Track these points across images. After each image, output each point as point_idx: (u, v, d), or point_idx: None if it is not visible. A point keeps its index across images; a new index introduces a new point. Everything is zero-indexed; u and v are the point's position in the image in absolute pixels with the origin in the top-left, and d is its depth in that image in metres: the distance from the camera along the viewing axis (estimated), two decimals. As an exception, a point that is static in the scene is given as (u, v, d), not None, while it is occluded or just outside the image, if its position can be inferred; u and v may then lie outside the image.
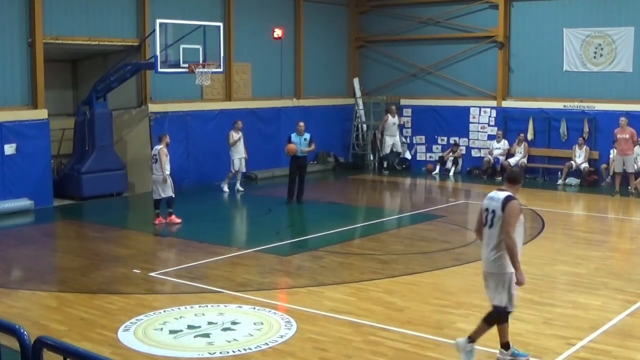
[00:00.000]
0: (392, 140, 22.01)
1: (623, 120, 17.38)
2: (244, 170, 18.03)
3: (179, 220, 14.22)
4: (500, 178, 20.15)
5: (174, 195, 14.30)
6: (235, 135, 17.65)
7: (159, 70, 15.92)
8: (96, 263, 11.27)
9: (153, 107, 17.94)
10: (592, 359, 7.22)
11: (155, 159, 14.14)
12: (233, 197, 17.58)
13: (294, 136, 16.18)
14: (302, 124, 16.34)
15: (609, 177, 18.39)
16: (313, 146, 16.41)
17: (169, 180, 14.09)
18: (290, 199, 16.33)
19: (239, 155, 17.69)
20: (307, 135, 16.17)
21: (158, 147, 14.22)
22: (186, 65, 16.03)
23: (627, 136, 17.21)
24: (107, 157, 17.06)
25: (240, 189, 17.97)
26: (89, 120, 16.88)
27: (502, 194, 6.97)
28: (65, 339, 7.23)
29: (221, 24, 17.29)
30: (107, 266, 11.03)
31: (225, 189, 17.86)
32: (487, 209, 7.03)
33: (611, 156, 18.59)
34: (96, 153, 16.85)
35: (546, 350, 7.40)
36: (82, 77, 19.10)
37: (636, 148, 17.52)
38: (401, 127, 22.43)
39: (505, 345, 7.05)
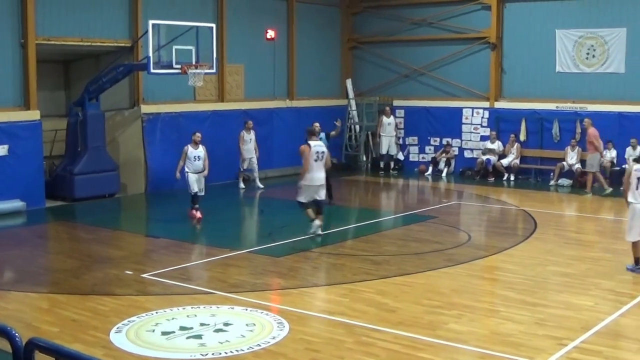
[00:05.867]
0: (388, 141, 22.03)
1: None
2: (255, 168, 18.75)
3: (198, 215, 14.60)
4: (493, 179, 20.27)
5: (198, 193, 14.64)
6: (246, 136, 18.35)
7: (152, 71, 15.88)
8: (88, 264, 11.24)
9: (146, 108, 17.92)
10: (583, 360, 7.25)
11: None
12: (225, 199, 17.56)
13: None
14: (317, 124, 15.31)
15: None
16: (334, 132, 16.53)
17: (187, 177, 14.62)
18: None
19: (249, 154, 18.41)
20: (322, 135, 15.38)
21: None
22: (179, 66, 15.98)
23: None
24: (99, 158, 17.01)
25: (260, 185, 18.76)
26: (82, 122, 16.84)
27: (320, 142, 13.12)
28: (57, 340, 7.20)
29: (214, 25, 17.25)
30: (99, 267, 11.00)
31: (242, 185, 18.70)
32: (317, 152, 12.64)
33: (609, 157, 18.74)
34: (88, 154, 16.81)
35: (538, 351, 7.41)
36: (75, 78, 19.05)
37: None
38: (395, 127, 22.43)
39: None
